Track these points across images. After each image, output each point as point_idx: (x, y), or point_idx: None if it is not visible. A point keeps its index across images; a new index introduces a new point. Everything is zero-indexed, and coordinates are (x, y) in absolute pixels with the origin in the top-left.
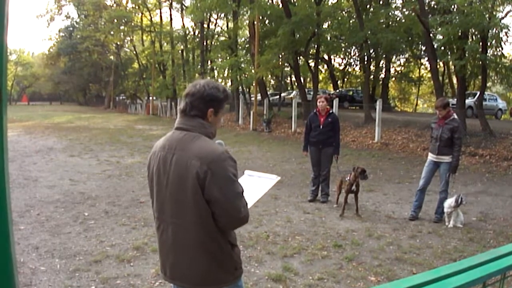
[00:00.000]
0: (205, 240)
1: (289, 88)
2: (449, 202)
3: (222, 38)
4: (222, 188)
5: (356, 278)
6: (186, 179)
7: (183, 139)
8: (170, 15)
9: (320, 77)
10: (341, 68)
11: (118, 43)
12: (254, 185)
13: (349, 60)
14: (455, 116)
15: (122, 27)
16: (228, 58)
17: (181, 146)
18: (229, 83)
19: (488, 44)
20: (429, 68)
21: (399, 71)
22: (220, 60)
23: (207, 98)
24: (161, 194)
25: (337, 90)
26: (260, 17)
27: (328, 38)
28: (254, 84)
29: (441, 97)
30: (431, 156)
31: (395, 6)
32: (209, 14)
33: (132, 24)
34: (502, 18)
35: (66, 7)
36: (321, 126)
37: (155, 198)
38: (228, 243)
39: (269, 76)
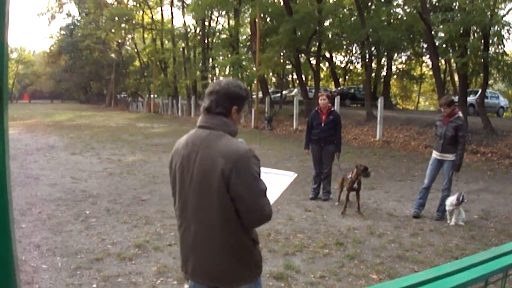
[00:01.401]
0: (229, 238)
1: (290, 86)
2: (451, 200)
3: (224, 36)
4: (246, 186)
5: (357, 276)
6: (211, 177)
7: (207, 137)
8: (171, 12)
9: (322, 75)
10: (342, 65)
11: (119, 41)
12: (272, 183)
13: (350, 58)
14: (460, 114)
15: (123, 25)
16: (229, 56)
17: (205, 144)
18: None
19: (490, 41)
20: (430, 66)
21: (401, 69)
22: (221, 58)
23: (232, 95)
24: (184, 192)
25: (339, 88)
26: (262, 15)
27: (330, 35)
28: (255, 82)
29: (445, 95)
30: (435, 154)
31: (396, 4)
32: (210, 12)
33: (133, 22)
34: (504, 15)
35: (67, 5)
36: (322, 124)
37: (177, 196)
38: (251, 240)
39: (271, 74)
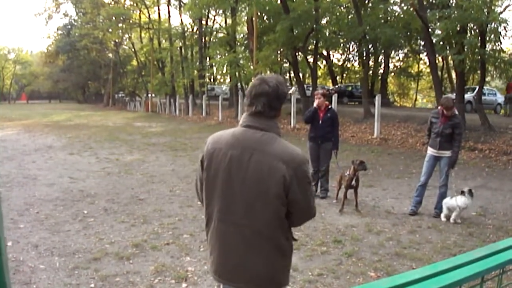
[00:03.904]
0: (280, 240)
1: (287, 84)
2: (463, 201)
3: (221, 35)
4: (303, 191)
5: (355, 273)
6: (269, 181)
7: (262, 140)
8: (168, 12)
9: (319, 73)
10: (340, 63)
11: (117, 40)
12: None
13: (348, 56)
14: (456, 112)
15: (120, 25)
16: (226, 54)
17: (261, 147)
18: (227, 80)
19: (487, 38)
20: (428, 63)
21: (398, 66)
22: (218, 56)
23: (282, 96)
24: (230, 193)
25: (336, 86)
26: (259, 13)
27: (327, 33)
28: (252, 81)
29: (442, 92)
30: (431, 151)
31: (393, 1)
32: (207, 11)
33: (130, 21)
34: (501, 12)
35: (64, 5)
36: (320, 122)
37: (218, 198)
38: (292, 239)
39: (268, 72)
